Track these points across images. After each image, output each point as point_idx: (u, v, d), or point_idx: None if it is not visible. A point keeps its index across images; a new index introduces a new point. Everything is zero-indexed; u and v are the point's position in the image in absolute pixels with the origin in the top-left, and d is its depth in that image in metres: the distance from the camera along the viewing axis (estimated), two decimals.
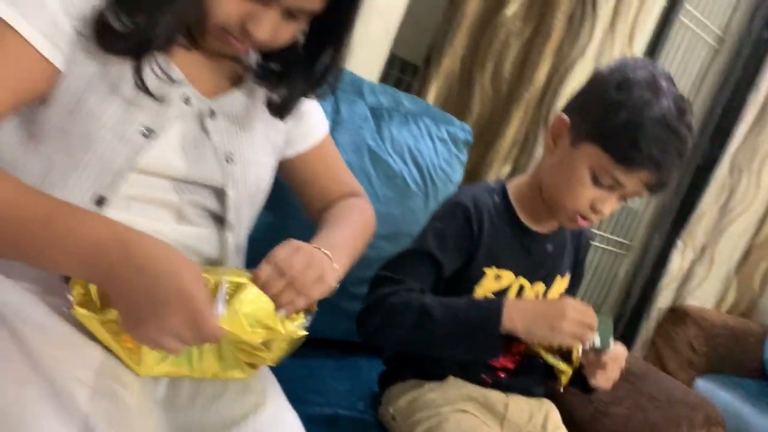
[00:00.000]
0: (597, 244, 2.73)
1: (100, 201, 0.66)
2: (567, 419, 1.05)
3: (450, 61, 1.73)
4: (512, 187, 1.04)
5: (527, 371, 1.03)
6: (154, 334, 0.57)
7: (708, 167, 2.62)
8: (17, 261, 0.61)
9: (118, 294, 0.57)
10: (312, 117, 0.90)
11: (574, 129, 0.95)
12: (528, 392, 1.03)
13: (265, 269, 0.67)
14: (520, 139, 1.77)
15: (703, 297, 2.62)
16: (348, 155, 1.16)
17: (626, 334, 2.75)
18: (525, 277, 1.01)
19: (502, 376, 1.03)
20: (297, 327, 0.68)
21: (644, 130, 0.87)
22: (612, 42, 1.80)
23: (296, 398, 0.79)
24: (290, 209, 1.02)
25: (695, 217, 2.59)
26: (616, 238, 2.79)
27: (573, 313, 0.88)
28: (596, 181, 0.92)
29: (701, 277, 2.62)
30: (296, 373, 0.98)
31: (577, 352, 0.93)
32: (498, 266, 0.99)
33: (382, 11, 1.62)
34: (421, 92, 1.76)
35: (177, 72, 0.71)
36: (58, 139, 0.64)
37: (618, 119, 0.88)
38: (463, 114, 1.78)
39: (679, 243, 2.61)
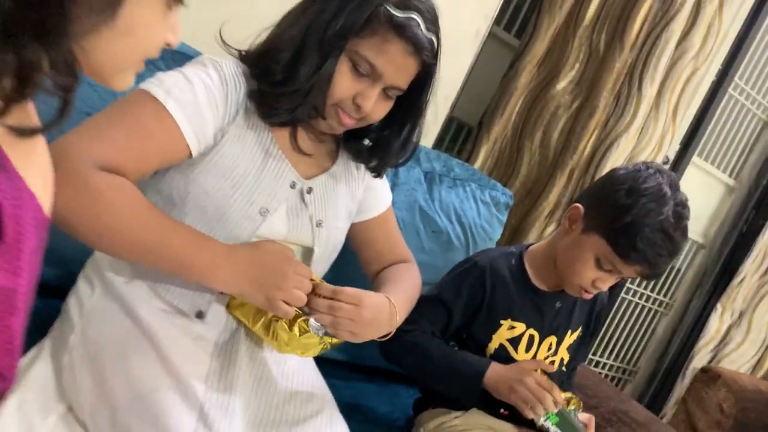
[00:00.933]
0: (637, 300, 2.85)
1: None
2: None
3: (501, 126, 1.94)
4: (529, 253, 1.25)
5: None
6: (274, 291, 0.80)
7: (752, 234, 2.71)
8: (163, 267, 0.83)
9: (245, 271, 0.81)
10: (380, 190, 1.12)
11: (586, 219, 1.14)
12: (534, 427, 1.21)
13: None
14: (563, 202, 1.95)
15: (739, 361, 2.69)
16: (401, 212, 1.38)
17: (661, 391, 2.84)
18: (536, 329, 1.20)
19: (515, 414, 1.21)
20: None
21: (644, 234, 1.06)
22: (656, 118, 1.96)
23: (342, 414, 0.99)
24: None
25: (736, 282, 2.67)
26: (657, 297, 2.89)
27: (530, 383, 1.08)
28: (599, 264, 1.12)
29: (738, 341, 2.69)
30: (344, 392, 1.18)
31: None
32: (512, 319, 1.19)
33: (446, 81, 1.84)
34: (473, 153, 1.97)
35: (285, 162, 0.93)
36: (197, 211, 0.87)
37: (623, 221, 1.08)
38: (511, 176, 1.98)
39: (719, 306, 2.70)
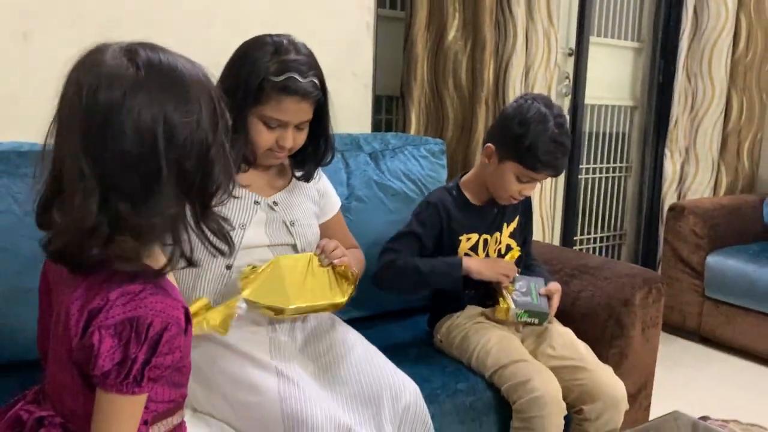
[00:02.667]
0: (604, 175, 3.22)
1: (229, 267, 1.25)
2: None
3: (419, 89, 2.28)
4: (463, 182, 1.63)
5: None
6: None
7: (669, 81, 3.07)
8: None
9: None
10: (332, 197, 1.49)
11: (498, 152, 1.53)
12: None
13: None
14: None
15: (700, 190, 3.05)
16: (363, 191, 1.74)
17: (649, 241, 3.22)
18: (485, 233, 1.59)
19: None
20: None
21: (542, 150, 1.45)
22: (534, 28, 2.31)
23: (381, 348, 1.35)
24: None
25: (672, 125, 3.03)
26: (617, 165, 3.26)
27: (501, 270, 1.51)
28: (519, 180, 1.51)
29: (692, 173, 3.06)
30: (372, 335, 1.57)
31: (504, 292, 1.52)
32: (467, 233, 1.57)
33: (361, 71, 2.19)
34: (405, 119, 2.31)
35: (246, 190, 1.29)
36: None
37: (525, 145, 1.47)
38: (443, 126, 2.32)
39: (666, 151, 3.06)
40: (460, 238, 1.57)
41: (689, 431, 1.41)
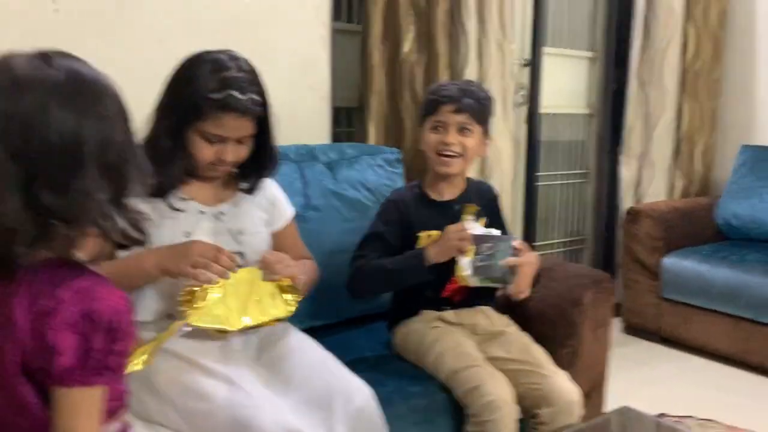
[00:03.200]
0: (562, 181, 3.29)
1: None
2: (504, 310, 1.64)
3: (377, 101, 2.32)
4: (425, 180, 1.67)
5: (467, 298, 1.62)
6: (187, 267, 1.15)
7: (621, 88, 3.16)
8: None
9: (166, 265, 1.18)
10: (283, 205, 1.50)
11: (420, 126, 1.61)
12: (472, 306, 1.63)
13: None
14: None
15: (656, 194, 3.14)
16: (319, 201, 1.77)
17: (609, 242, 3.29)
18: None
19: (454, 301, 1.62)
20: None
21: (430, 92, 1.63)
22: (486, 39, 2.37)
23: (335, 354, 1.37)
24: None
25: (626, 132, 3.12)
26: (576, 171, 3.34)
27: (454, 239, 1.47)
28: (436, 131, 1.57)
29: (649, 178, 3.15)
30: (331, 342, 1.59)
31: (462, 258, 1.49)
32: (426, 229, 1.59)
33: (318, 83, 2.22)
34: (365, 131, 2.35)
35: (189, 199, 1.32)
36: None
37: (423, 104, 1.63)
38: (402, 136, 2.36)
39: (622, 158, 3.14)
40: (420, 234, 1.59)
41: (637, 426, 1.45)
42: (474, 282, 1.49)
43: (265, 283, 1.27)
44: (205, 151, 1.27)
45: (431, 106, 1.60)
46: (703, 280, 2.68)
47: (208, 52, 1.28)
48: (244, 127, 1.27)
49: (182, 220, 1.31)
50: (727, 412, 2.24)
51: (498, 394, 1.39)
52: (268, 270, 1.28)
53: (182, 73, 1.28)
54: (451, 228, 1.48)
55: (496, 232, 1.53)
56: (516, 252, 1.49)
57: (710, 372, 2.62)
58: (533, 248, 3.08)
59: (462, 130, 1.57)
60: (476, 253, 1.48)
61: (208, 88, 1.22)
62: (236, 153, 1.30)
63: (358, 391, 1.23)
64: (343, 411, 1.20)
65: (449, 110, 1.56)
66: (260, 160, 1.38)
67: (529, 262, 1.52)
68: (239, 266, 1.24)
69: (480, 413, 1.39)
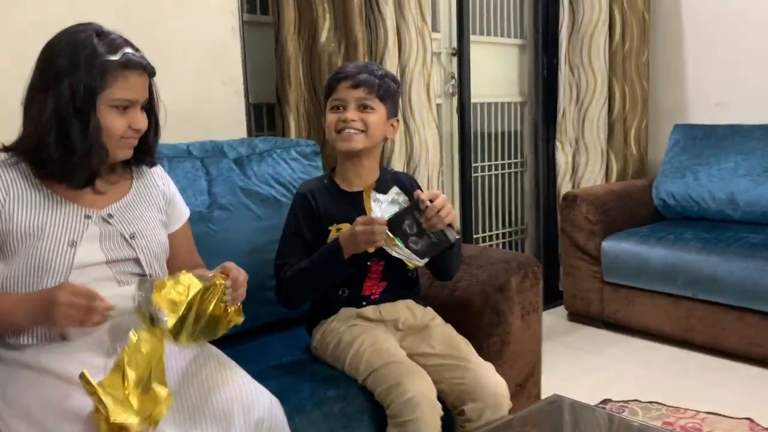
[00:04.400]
0: (500, 171, 3.24)
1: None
2: (428, 301, 1.55)
3: (295, 94, 2.21)
4: (335, 170, 1.57)
5: (388, 292, 1.52)
6: (65, 322, 1.04)
7: (552, 74, 3.13)
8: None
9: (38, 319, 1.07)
10: (180, 205, 1.38)
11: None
12: (393, 300, 1.52)
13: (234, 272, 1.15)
14: None
15: (593, 178, 3.11)
16: (226, 198, 1.65)
17: (548, 233, 3.25)
18: None
19: (373, 298, 1.52)
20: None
21: (333, 75, 1.52)
22: (406, 26, 2.29)
23: (250, 361, 1.25)
24: None
25: (559, 117, 3.09)
26: (512, 161, 3.29)
27: (362, 236, 1.35)
28: (336, 110, 1.49)
29: (583, 162, 3.12)
30: (249, 349, 1.47)
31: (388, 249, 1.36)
32: (336, 222, 1.49)
33: (228, 81, 2.10)
34: (284, 125, 2.24)
35: (74, 204, 1.18)
36: (28, 270, 1.13)
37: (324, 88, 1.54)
38: (321, 129, 2.26)
39: (557, 143, 3.11)
40: (330, 228, 1.49)
41: (570, 414, 1.38)
42: (426, 260, 1.38)
43: (208, 306, 1.11)
44: (117, 122, 1.16)
45: (330, 87, 1.52)
46: (642, 261, 2.65)
47: (73, 26, 1.18)
48: (146, 86, 1.20)
49: (65, 228, 1.17)
50: (672, 392, 2.20)
51: (417, 390, 1.29)
52: (235, 288, 1.15)
53: (65, 51, 1.14)
54: (359, 222, 1.37)
55: (400, 196, 1.39)
56: (426, 206, 1.35)
57: (654, 354, 2.59)
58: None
59: (362, 107, 1.47)
60: (404, 236, 1.35)
61: (105, 52, 1.13)
62: (143, 119, 1.21)
63: (258, 400, 1.12)
64: (243, 421, 1.09)
65: (346, 86, 1.47)
66: (150, 129, 1.26)
67: (443, 204, 1.36)
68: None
69: (400, 413, 1.29)
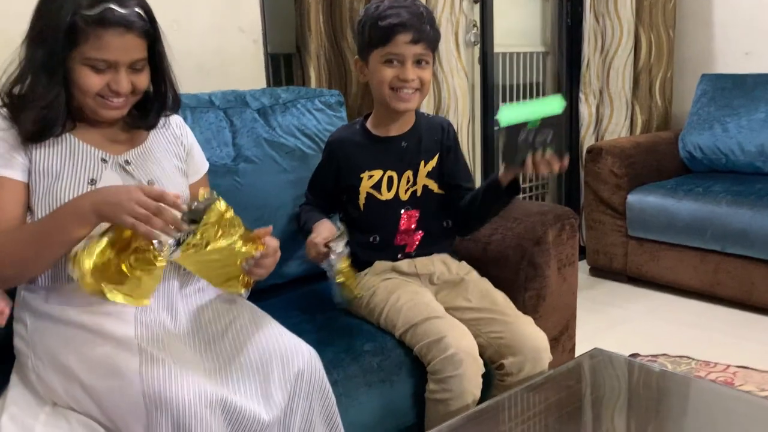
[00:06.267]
0: None
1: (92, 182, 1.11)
2: (461, 256, 1.51)
3: (316, 43, 2.13)
4: (369, 117, 1.50)
5: (424, 243, 1.47)
6: (126, 207, 0.96)
7: (577, 23, 3.02)
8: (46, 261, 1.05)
9: (101, 209, 0.99)
10: (199, 156, 1.33)
11: (361, 57, 1.43)
12: (428, 254, 1.48)
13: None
14: None
15: (616, 131, 3.03)
16: (251, 150, 1.59)
17: (571, 187, 3.19)
18: (392, 170, 1.45)
19: (408, 251, 1.47)
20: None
21: (379, 16, 1.36)
22: None
23: (281, 316, 1.21)
24: None
25: (583, 68, 2.99)
26: None
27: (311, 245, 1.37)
28: (389, 64, 1.37)
29: (608, 114, 3.03)
30: (275, 304, 1.44)
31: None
32: (368, 170, 1.44)
33: (246, 29, 2.02)
34: (304, 75, 2.16)
35: (89, 147, 1.14)
36: (45, 201, 1.09)
37: (368, 27, 1.38)
38: (347, 77, 2.18)
39: (581, 95, 3.02)
40: (361, 175, 1.44)
41: (609, 368, 1.34)
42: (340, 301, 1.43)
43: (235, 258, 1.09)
44: (91, 80, 1.08)
45: (383, 36, 1.35)
46: (669, 214, 2.59)
47: None
48: (134, 47, 1.08)
49: (85, 167, 1.12)
50: (700, 347, 2.17)
51: (460, 347, 1.26)
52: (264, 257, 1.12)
53: (45, 1, 1.08)
54: (310, 244, 1.38)
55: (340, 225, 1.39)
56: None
57: (680, 308, 2.56)
58: None
59: (419, 62, 1.39)
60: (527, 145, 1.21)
61: (81, 4, 1.03)
62: (135, 83, 1.12)
63: (298, 352, 1.09)
64: (282, 374, 1.06)
65: (406, 41, 1.35)
66: (157, 91, 1.20)
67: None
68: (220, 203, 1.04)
69: (442, 369, 1.26)
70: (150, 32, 1.10)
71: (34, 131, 1.08)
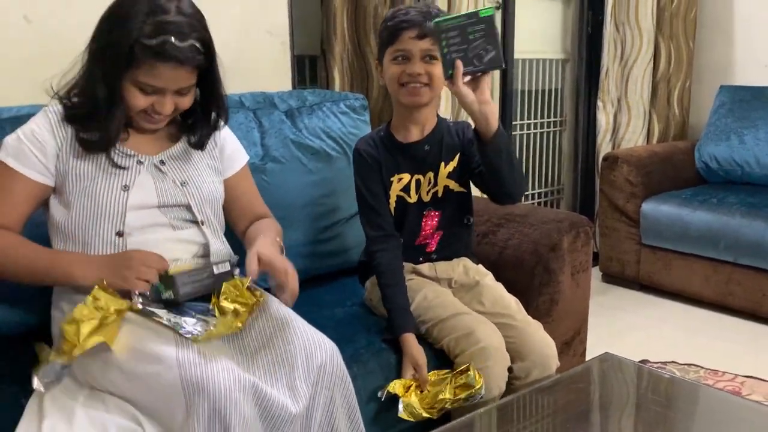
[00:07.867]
0: (538, 130, 3.19)
1: (120, 234, 1.17)
2: (479, 259, 1.55)
3: (341, 46, 2.19)
4: (391, 123, 1.53)
5: (442, 249, 1.52)
6: (127, 273, 1.08)
7: (597, 30, 3.05)
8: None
9: (99, 265, 1.10)
10: (235, 148, 1.39)
11: (378, 60, 1.47)
12: (448, 258, 1.53)
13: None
14: None
15: (633, 139, 3.06)
16: (279, 152, 1.65)
17: (586, 194, 3.23)
18: (417, 173, 1.48)
19: (429, 251, 1.52)
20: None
21: (390, 20, 1.42)
22: None
23: (303, 313, 1.25)
24: None
25: (602, 75, 3.02)
26: (551, 119, 3.24)
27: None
28: (397, 61, 1.41)
29: (625, 123, 3.06)
30: (299, 301, 1.48)
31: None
32: (398, 173, 1.48)
33: (274, 32, 2.07)
34: (328, 78, 2.22)
35: (128, 150, 1.21)
36: (84, 212, 1.16)
37: (379, 34, 1.45)
38: (368, 81, 2.24)
39: (599, 102, 3.05)
40: (392, 179, 1.49)
41: (618, 373, 1.39)
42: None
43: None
44: (139, 100, 1.15)
45: (391, 35, 1.41)
46: (683, 224, 2.62)
47: None
48: (183, 77, 1.15)
49: (120, 173, 1.20)
50: (709, 356, 2.20)
51: (490, 341, 1.31)
52: (272, 274, 1.19)
53: (114, 13, 1.14)
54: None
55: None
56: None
57: (691, 317, 2.59)
58: None
59: (427, 57, 1.43)
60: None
61: (143, 32, 1.09)
62: (178, 104, 1.19)
63: (321, 347, 1.14)
64: (305, 367, 1.11)
65: (411, 36, 1.40)
66: (207, 113, 1.26)
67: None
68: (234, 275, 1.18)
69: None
70: (203, 65, 1.17)
71: (97, 141, 1.17)
